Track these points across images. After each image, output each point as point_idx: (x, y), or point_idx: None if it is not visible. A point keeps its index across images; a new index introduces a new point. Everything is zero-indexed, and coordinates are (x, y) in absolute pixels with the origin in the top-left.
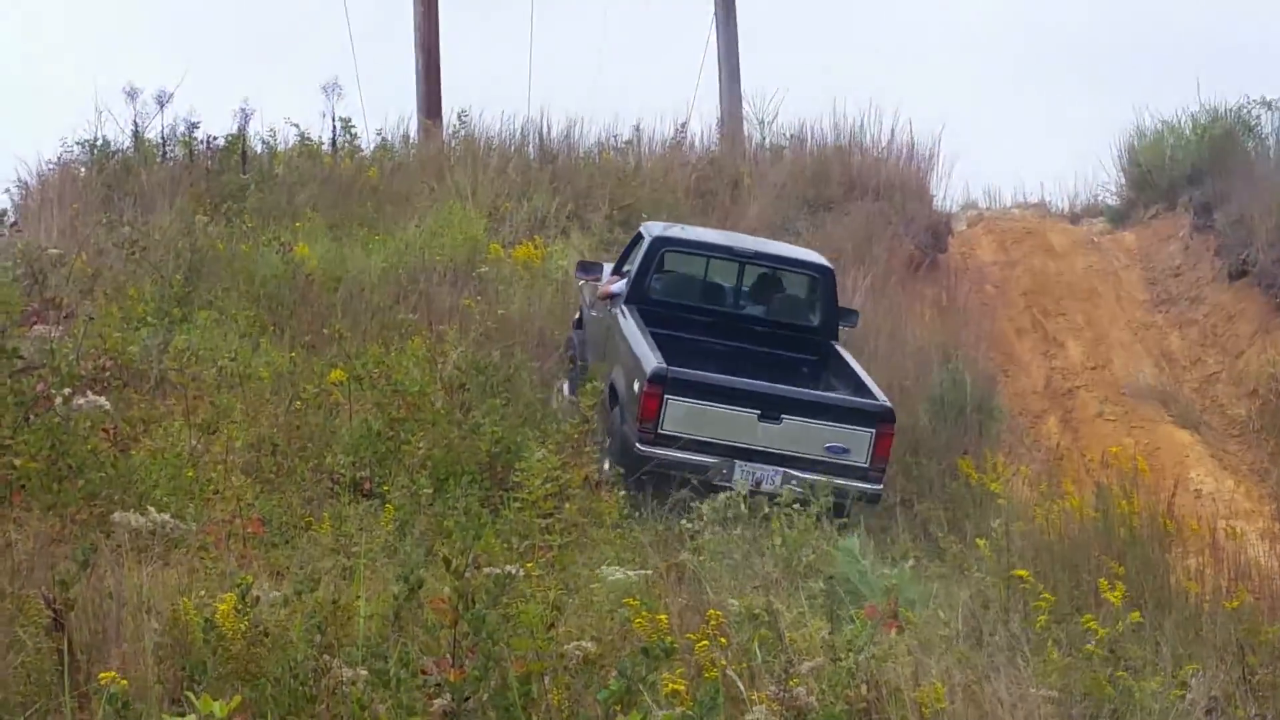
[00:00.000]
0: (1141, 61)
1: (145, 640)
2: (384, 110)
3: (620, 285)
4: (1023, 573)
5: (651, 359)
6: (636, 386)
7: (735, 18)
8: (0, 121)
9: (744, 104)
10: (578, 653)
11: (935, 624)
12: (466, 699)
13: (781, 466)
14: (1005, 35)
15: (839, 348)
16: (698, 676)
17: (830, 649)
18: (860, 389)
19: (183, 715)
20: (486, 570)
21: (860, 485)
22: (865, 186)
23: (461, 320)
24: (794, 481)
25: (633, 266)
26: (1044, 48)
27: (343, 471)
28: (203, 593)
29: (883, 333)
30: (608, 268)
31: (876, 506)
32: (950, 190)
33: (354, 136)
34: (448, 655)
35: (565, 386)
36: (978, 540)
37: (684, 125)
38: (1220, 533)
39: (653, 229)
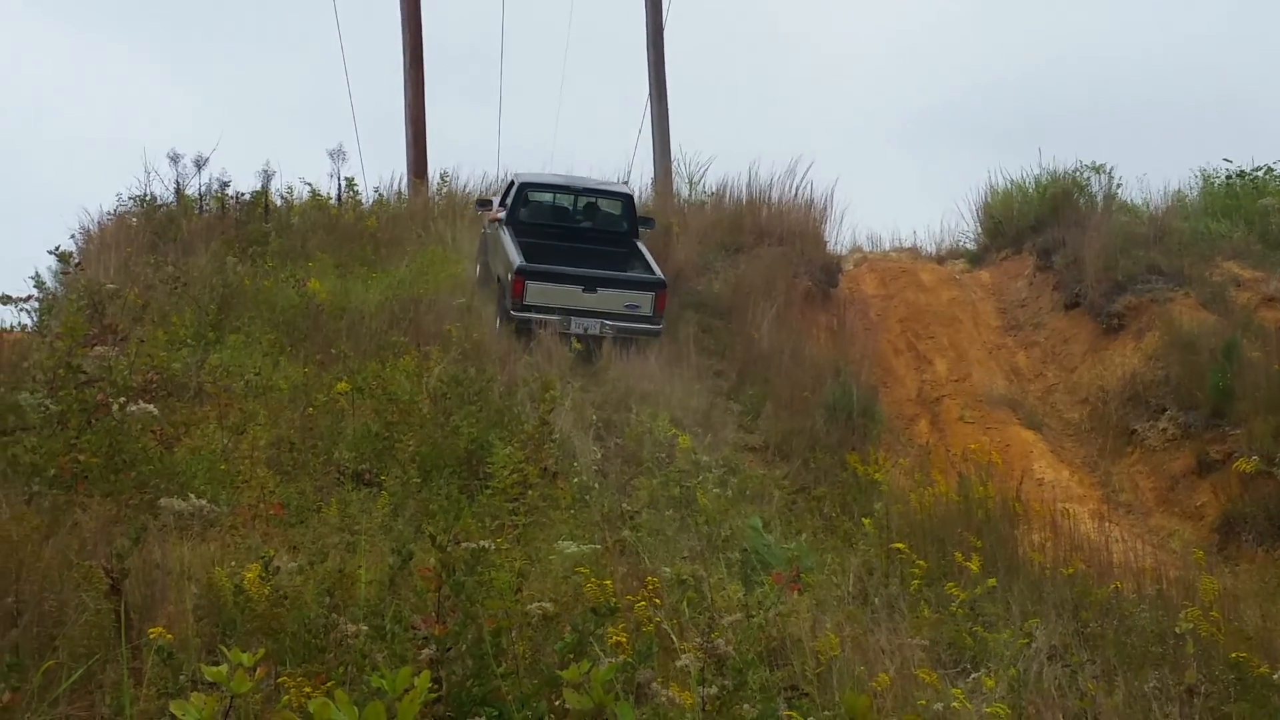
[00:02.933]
0: (995, 130)
1: (186, 602)
2: (380, 170)
3: (504, 213)
4: (900, 545)
5: (517, 259)
6: (510, 276)
7: (666, 95)
8: (63, 177)
9: (674, 164)
10: (539, 612)
11: (829, 587)
12: (448, 649)
13: (599, 318)
14: (890, 108)
15: (639, 243)
16: (637, 631)
17: (745, 607)
18: (648, 269)
19: (217, 664)
20: (465, 545)
21: (647, 327)
22: (772, 234)
23: (443, 342)
24: (607, 327)
25: (509, 201)
26: (920, 120)
27: (347, 464)
28: (233, 563)
29: (786, 352)
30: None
31: (658, 339)
32: (840, 236)
33: (356, 193)
34: (433, 614)
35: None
36: (864, 519)
37: (625, 183)
38: (1058, 513)
39: (521, 176)
